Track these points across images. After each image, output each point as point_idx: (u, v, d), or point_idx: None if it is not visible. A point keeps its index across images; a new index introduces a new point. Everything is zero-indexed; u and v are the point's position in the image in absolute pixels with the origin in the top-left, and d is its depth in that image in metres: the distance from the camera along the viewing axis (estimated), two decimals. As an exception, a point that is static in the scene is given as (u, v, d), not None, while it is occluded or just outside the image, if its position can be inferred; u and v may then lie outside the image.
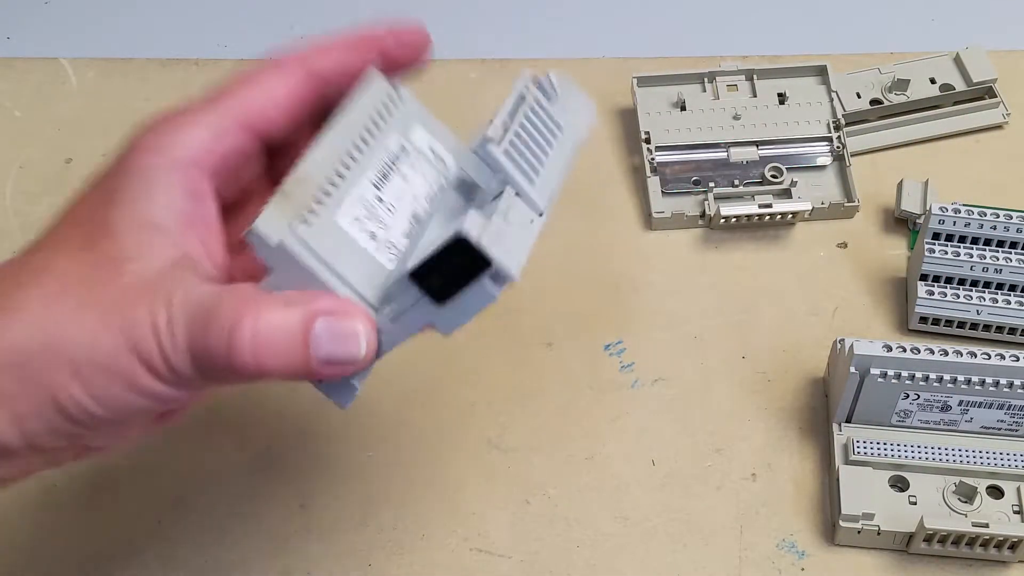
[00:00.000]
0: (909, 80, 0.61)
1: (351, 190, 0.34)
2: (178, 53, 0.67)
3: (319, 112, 0.36)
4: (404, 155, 0.36)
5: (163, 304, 0.31)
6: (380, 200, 0.35)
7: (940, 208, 0.52)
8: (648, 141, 0.59)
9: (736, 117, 0.60)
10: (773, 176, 0.58)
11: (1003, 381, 0.47)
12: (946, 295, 0.53)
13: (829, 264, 0.57)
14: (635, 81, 0.61)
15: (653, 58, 0.64)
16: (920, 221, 0.56)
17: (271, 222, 0.32)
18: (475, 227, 0.31)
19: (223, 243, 0.35)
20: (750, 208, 0.57)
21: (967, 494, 0.47)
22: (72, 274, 0.32)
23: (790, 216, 0.57)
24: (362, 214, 0.34)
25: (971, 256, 0.52)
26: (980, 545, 0.46)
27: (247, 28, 0.69)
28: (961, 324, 0.53)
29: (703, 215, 0.58)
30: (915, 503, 0.48)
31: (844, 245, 0.58)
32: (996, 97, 0.61)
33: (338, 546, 0.48)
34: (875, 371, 0.47)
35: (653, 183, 0.58)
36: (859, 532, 0.47)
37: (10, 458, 0.32)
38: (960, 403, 0.48)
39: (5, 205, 0.60)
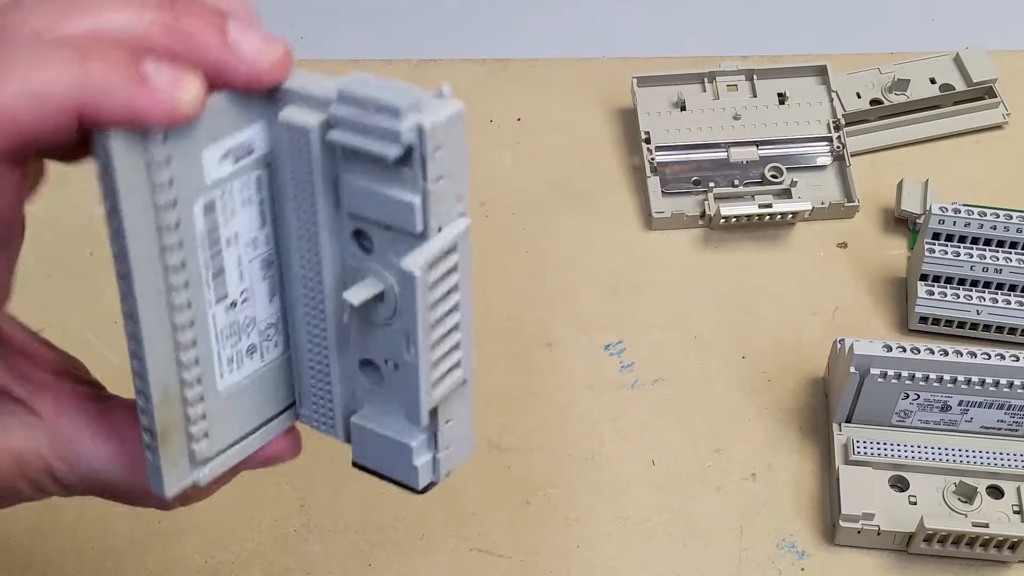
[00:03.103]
0: (909, 80, 0.61)
1: (209, 344, 0.27)
2: (178, 53, 0.67)
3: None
4: (217, 213, 0.26)
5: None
6: (234, 305, 0.27)
7: (940, 208, 0.52)
8: (648, 141, 0.59)
9: (736, 117, 0.60)
10: (773, 176, 0.58)
11: (1003, 381, 0.47)
12: (946, 295, 0.53)
13: (829, 264, 0.57)
14: (635, 81, 0.61)
15: (653, 58, 0.64)
16: (920, 221, 0.56)
17: (172, 484, 0.28)
18: (426, 478, 0.31)
19: None
20: (750, 208, 0.57)
21: (967, 494, 0.47)
22: None
23: (790, 216, 0.57)
24: (232, 350, 0.28)
25: (971, 256, 0.52)
26: (980, 545, 0.46)
27: (247, 28, 0.69)
28: (961, 324, 0.53)
29: (703, 215, 0.58)
30: (915, 503, 0.47)
31: (844, 245, 0.58)
32: (996, 97, 0.61)
33: (338, 546, 0.48)
34: (875, 371, 0.47)
35: (653, 183, 0.58)
36: (859, 532, 0.47)
37: None
38: (960, 403, 0.48)
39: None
